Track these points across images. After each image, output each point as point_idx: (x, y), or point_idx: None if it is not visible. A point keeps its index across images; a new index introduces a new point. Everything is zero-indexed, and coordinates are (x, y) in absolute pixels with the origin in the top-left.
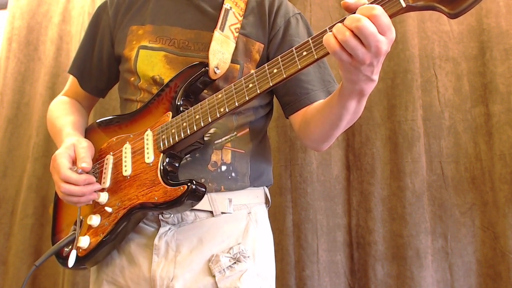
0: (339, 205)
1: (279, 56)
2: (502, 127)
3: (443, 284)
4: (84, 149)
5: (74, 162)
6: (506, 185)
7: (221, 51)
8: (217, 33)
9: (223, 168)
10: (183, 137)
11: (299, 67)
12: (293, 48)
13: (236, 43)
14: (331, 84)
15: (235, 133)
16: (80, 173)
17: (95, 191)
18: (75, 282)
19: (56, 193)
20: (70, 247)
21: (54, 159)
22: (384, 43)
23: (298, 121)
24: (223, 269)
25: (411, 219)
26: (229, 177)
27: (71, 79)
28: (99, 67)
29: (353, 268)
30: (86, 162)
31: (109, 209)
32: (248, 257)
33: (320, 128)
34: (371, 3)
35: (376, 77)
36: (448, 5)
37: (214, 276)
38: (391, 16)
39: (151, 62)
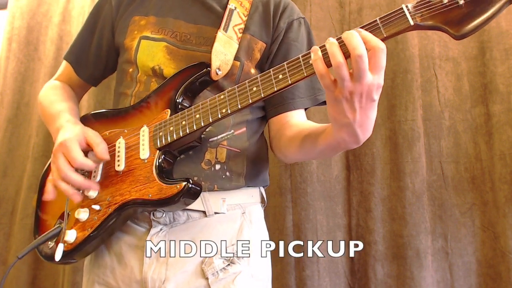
0: (339, 205)
1: (285, 63)
2: (502, 127)
3: (443, 284)
4: (96, 134)
5: (85, 151)
6: (506, 185)
7: (223, 52)
8: (220, 34)
9: (217, 167)
10: (181, 136)
11: (305, 74)
12: (300, 56)
13: (241, 41)
14: (321, 92)
15: (232, 131)
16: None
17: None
18: (75, 282)
19: (40, 186)
20: (54, 241)
21: (63, 144)
22: (370, 76)
23: (277, 127)
24: (217, 271)
25: (411, 219)
26: (223, 176)
27: (64, 65)
28: (97, 56)
29: (353, 268)
30: (105, 152)
31: (96, 207)
32: (242, 258)
33: (302, 156)
34: (383, 17)
35: (361, 135)
36: (453, 27)
37: (207, 279)
38: (398, 33)
39: (151, 52)
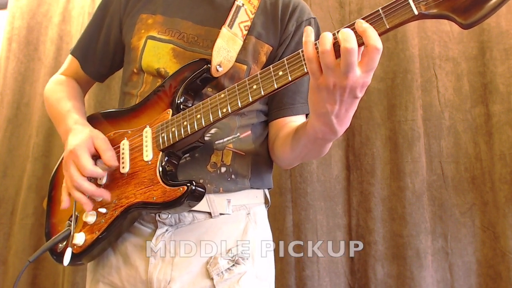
0: (339, 205)
1: (285, 59)
2: (502, 127)
3: (443, 284)
4: (104, 140)
5: (93, 156)
6: (506, 185)
7: (226, 48)
8: (224, 30)
9: (223, 169)
10: (183, 136)
11: (305, 71)
12: (300, 51)
13: (246, 44)
14: None
15: (238, 134)
16: (106, 170)
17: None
18: (75, 282)
19: (50, 187)
20: (65, 243)
21: (73, 152)
22: (357, 72)
23: (274, 130)
24: (221, 272)
25: (411, 219)
26: (229, 179)
27: (70, 60)
28: (104, 52)
29: (353, 268)
30: (112, 159)
31: (103, 210)
32: (247, 259)
33: (292, 156)
34: (385, 7)
35: (338, 126)
36: (461, 15)
37: (212, 279)
38: (402, 24)
39: (157, 54)
